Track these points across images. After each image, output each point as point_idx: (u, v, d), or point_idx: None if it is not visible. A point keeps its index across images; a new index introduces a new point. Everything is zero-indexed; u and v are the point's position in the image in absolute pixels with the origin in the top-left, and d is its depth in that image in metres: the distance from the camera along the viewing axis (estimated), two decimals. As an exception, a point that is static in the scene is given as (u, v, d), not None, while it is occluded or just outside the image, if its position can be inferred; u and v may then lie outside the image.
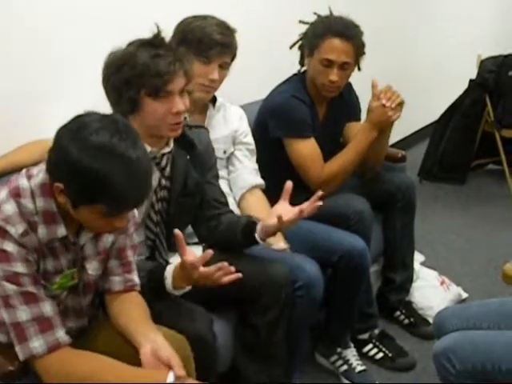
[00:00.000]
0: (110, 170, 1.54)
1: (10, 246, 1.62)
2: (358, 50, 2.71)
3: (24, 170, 1.73)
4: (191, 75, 2.07)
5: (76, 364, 1.70)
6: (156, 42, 2.02)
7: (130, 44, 2.03)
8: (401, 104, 2.73)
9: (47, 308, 1.69)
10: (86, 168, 1.54)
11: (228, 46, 2.46)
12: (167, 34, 2.09)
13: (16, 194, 1.66)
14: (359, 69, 2.78)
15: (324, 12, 2.84)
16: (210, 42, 2.41)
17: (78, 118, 1.62)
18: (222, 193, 2.38)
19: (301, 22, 2.83)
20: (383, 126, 2.77)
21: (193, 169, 2.24)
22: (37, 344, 1.67)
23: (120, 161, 1.55)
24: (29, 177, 1.69)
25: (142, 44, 2.01)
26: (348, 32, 2.68)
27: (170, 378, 1.67)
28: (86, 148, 1.54)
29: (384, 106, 2.70)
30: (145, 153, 1.63)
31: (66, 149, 1.56)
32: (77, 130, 1.58)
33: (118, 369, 1.71)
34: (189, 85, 2.08)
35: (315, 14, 2.83)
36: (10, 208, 1.64)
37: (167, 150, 2.15)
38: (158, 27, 2.04)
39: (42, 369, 1.70)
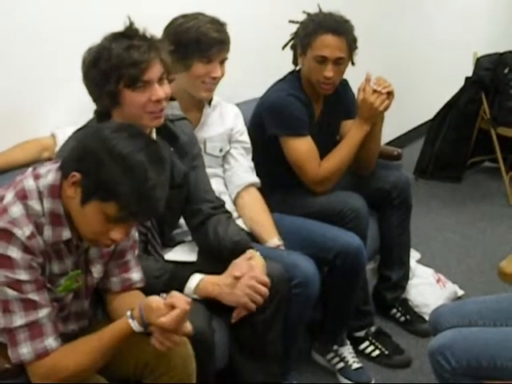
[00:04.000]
0: (128, 181, 1.58)
1: (14, 252, 1.62)
2: (351, 44, 2.71)
3: (30, 170, 1.73)
4: (168, 63, 2.05)
5: (63, 362, 1.70)
6: (129, 32, 2.01)
7: (105, 38, 2.01)
8: (391, 93, 2.74)
9: (44, 315, 1.69)
10: (106, 169, 1.58)
11: (226, 43, 2.46)
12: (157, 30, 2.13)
13: (23, 196, 1.66)
14: (353, 64, 2.78)
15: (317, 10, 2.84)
16: (209, 41, 2.39)
17: (110, 121, 1.68)
18: (209, 183, 2.38)
19: (291, 21, 2.84)
20: (374, 119, 2.78)
21: (178, 160, 2.25)
22: (25, 350, 1.67)
23: (139, 176, 1.59)
24: (36, 177, 1.70)
25: (115, 36, 2.00)
26: (339, 27, 2.68)
27: (129, 311, 1.71)
28: (115, 152, 1.59)
29: (371, 101, 2.71)
30: (165, 171, 1.67)
31: (94, 145, 1.61)
32: (109, 130, 1.63)
33: (94, 343, 1.72)
34: (170, 74, 2.06)
35: (304, 12, 2.83)
36: (17, 210, 1.64)
37: None
38: (129, 18, 2.03)
39: (31, 373, 1.71)
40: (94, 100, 2.06)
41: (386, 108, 2.76)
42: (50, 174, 1.69)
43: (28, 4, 2.38)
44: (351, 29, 2.72)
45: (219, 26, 2.45)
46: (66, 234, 1.71)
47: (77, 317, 1.89)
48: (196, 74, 2.42)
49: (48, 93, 2.50)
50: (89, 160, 1.61)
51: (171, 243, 2.39)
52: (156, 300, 1.71)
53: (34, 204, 1.66)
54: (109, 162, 1.58)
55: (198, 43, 2.39)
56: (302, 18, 2.82)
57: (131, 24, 2.02)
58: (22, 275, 1.63)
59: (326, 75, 2.69)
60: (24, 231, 1.63)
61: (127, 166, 1.59)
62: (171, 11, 2.51)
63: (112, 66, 1.96)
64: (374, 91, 2.72)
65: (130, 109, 2.02)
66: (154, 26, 2.43)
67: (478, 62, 4.77)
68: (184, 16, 2.45)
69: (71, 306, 1.85)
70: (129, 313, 1.71)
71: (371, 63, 3.07)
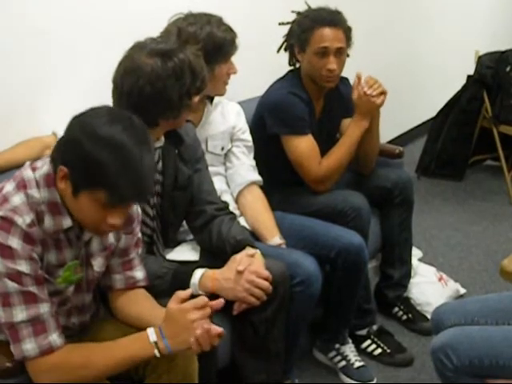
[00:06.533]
0: (111, 162, 1.58)
1: (14, 242, 1.63)
2: (347, 34, 2.73)
3: (28, 163, 1.75)
4: None
5: (68, 362, 1.71)
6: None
7: (175, 49, 2.05)
8: (383, 93, 2.75)
9: (45, 310, 1.69)
10: (88, 154, 1.58)
11: (236, 39, 2.50)
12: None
13: (23, 186, 1.68)
14: (347, 55, 2.79)
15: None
16: (228, 43, 2.45)
17: (93, 108, 1.67)
18: (212, 185, 2.40)
19: (281, 23, 2.86)
20: (371, 113, 2.78)
21: (182, 163, 2.27)
22: (29, 346, 1.67)
23: (122, 155, 1.59)
24: (33, 169, 1.72)
25: (183, 47, 2.09)
26: (334, 19, 2.71)
27: (152, 335, 1.71)
28: (95, 136, 1.59)
29: (365, 94, 2.72)
30: (150, 153, 1.66)
31: (75, 133, 1.62)
32: (90, 117, 1.64)
33: (105, 348, 1.74)
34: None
35: (293, 11, 2.85)
36: (18, 199, 1.66)
37: (159, 144, 2.19)
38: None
39: (32, 370, 1.71)
40: (157, 109, 2.05)
41: (383, 102, 2.76)
42: (45, 165, 1.72)
43: (27, 3, 2.38)
44: (345, 19, 2.75)
45: (226, 24, 2.49)
46: (67, 222, 1.72)
47: (78, 311, 1.90)
48: (219, 75, 2.48)
49: (47, 92, 2.50)
50: (72, 150, 1.62)
51: (173, 244, 2.39)
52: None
53: (34, 192, 1.68)
54: (90, 148, 1.58)
55: (221, 48, 2.44)
56: (291, 18, 2.85)
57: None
58: (23, 266, 1.64)
59: (329, 67, 2.69)
60: (25, 219, 1.64)
61: (110, 150, 1.58)
62: (171, 9, 2.51)
63: (193, 81, 2.04)
64: (366, 94, 2.73)
65: (183, 120, 2.17)
66: (153, 22, 2.46)
67: (480, 60, 4.76)
68: (191, 23, 2.44)
69: (72, 299, 1.85)
70: (155, 348, 1.71)
71: (373, 62, 3.08)
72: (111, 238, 1.87)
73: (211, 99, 2.61)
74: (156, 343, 1.71)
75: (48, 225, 1.69)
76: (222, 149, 2.65)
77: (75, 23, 2.54)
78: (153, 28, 2.39)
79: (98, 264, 1.86)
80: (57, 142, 1.69)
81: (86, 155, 1.58)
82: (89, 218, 1.68)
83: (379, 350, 2.91)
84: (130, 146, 1.60)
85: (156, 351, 1.71)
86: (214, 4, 2.66)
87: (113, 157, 1.58)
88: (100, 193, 1.61)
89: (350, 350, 2.80)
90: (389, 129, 2.94)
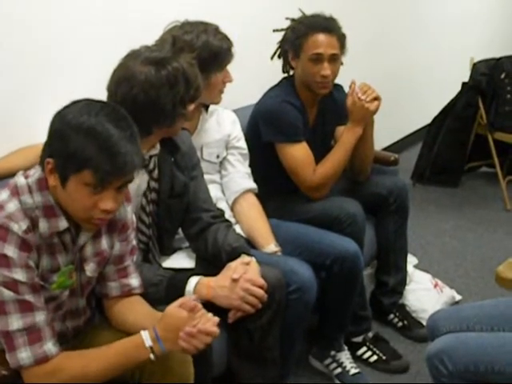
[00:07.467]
0: (89, 143, 1.61)
1: (10, 251, 1.64)
2: (341, 40, 2.74)
3: (21, 172, 1.77)
4: None
5: (64, 368, 1.71)
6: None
7: (170, 58, 2.06)
8: (377, 98, 2.76)
9: (41, 318, 1.70)
10: (68, 140, 1.62)
11: (232, 48, 2.50)
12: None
13: (16, 193, 1.70)
14: (341, 63, 2.79)
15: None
16: (224, 51, 2.46)
17: (73, 101, 1.71)
18: (207, 192, 2.40)
19: (275, 30, 2.86)
20: (365, 120, 2.79)
21: (178, 170, 2.27)
22: (24, 355, 1.68)
23: (96, 136, 1.62)
24: (26, 176, 1.74)
25: (178, 56, 2.10)
26: (329, 25, 2.72)
27: (147, 338, 1.73)
28: (72, 123, 1.63)
29: (360, 99, 2.73)
30: (126, 130, 1.67)
31: (56, 126, 1.66)
32: (68, 109, 1.68)
33: (99, 354, 1.75)
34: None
35: (287, 18, 2.86)
36: (13, 206, 1.68)
37: (154, 152, 2.19)
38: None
39: (28, 379, 1.71)
40: (152, 117, 2.06)
41: (377, 108, 2.77)
42: (37, 172, 1.74)
43: (24, 5, 2.39)
44: (339, 26, 2.76)
45: (222, 32, 2.49)
46: (62, 223, 1.73)
47: (72, 315, 1.91)
48: (215, 83, 2.49)
49: (43, 94, 2.49)
50: (54, 141, 1.66)
51: (169, 252, 2.39)
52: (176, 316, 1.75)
53: (27, 198, 1.70)
54: (70, 133, 1.62)
55: (217, 57, 2.45)
56: (285, 25, 2.86)
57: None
58: (19, 274, 1.65)
59: (323, 74, 2.70)
60: (20, 225, 1.66)
61: (87, 130, 1.62)
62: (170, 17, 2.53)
63: (187, 90, 2.06)
64: (360, 100, 2.73)
65: (178, 129, 2.17)
66: (153, 29, 2.46)
67: (475, 67, 4.78)
68: (187, 31, 2.44)
69: (67, 303, 1.86)
70: (150, 353, 1.73)
71: (370, 69, 3.09)
72: (104, 244, 1.88)
73: (206, 107, 2.62)
74: (153, 351, 1.72)
75: (43, 229, 1.70)
76: (218, 157, 2.65)
77: (73, 29, 2.54)
78: (153, 34, 2.41)
79: (90, 269, 1.87)
80: (43, 144, 1.71)
81: (68, 142, 1.62)
82: (80, 206, 1.68)
83: (375, 357, 2.91)
84: (108, 125, 1.63)
85: (149, 348, 1.72)
86: (210, 12, 2.67)
87: (92, 138, 1.61)
88: (85, 174, 1.62)
89: (345, 356, 2.80)
90: (384, 136, 2.96)
